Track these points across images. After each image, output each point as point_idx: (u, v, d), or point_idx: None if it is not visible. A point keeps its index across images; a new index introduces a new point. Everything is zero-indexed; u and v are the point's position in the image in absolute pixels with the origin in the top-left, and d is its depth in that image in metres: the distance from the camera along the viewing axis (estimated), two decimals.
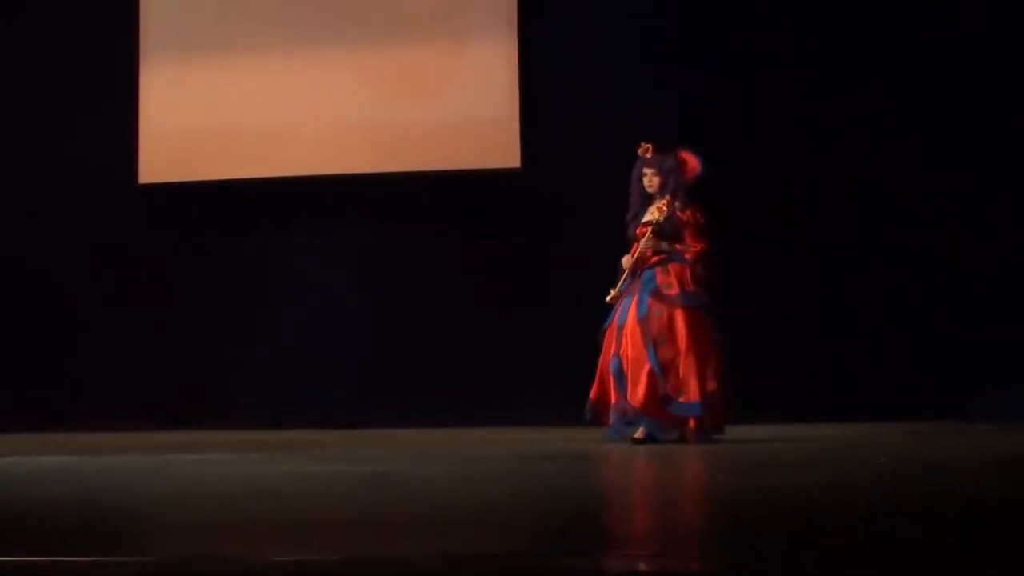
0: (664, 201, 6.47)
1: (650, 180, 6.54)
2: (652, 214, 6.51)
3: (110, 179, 9.24)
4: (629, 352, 6.26)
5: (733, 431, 6.39)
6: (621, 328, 6.35)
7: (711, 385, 6.22)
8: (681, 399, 6.21)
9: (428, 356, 8.85)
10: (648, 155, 6.58)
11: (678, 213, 6.47)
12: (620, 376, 6.27)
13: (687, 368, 6.23)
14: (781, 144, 8.62)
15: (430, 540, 2.78)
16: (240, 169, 9.01)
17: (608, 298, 6.44)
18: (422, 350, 8.86)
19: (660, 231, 6.45)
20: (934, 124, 8.41)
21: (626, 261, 6.49)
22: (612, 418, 6.34)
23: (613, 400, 6.32)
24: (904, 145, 8.50)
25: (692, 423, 6.21)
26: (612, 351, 6.36)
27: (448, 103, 8.83)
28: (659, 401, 6.20)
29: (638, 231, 6.52)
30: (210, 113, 9.08)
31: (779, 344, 8.33)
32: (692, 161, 6.57)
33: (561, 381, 8.25)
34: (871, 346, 8.42)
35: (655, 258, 6.47)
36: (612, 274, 7.73)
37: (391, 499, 3.74)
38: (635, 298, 6.38)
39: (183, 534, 3.03)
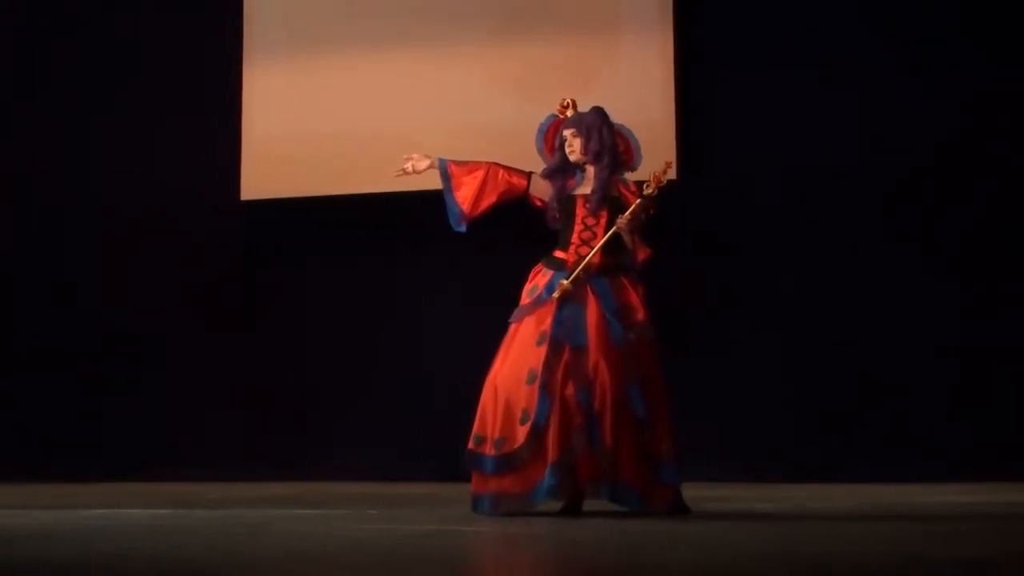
0: (664, 168, 5.54)
1: (571, 143, 5.63)
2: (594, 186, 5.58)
3: (208, 195, 9.35)
4: (608, 386, 5.31)
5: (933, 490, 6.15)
6: (578, 351, 5.36)
7: (676, 444, 5.41)
8: (665, 462, 5.36)
9: None
10: (569, 113, 5.69)
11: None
12: (592, 419, 5.30)
13: (665, 422, 5.39)
14: (986, 155, 8.30)
15: None
16: (357, 183, 8.99)
17: (558, 292, 5.45)
18: None
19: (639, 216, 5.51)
20: None
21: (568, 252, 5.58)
22: (548, 476, 5.26)
23: (555, 448, 5.26)
24: None
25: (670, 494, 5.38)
26: (560, 380, 5.33)
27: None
28: (644, 462, 5.33)
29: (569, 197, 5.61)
30: (322, 119, 9.11)
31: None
32: (628, 143, 5.75)
33: (737, 433, 8.10)
34: None
35: (598, 256, 5.50)
36: (780, 311, 7.52)
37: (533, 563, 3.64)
38: (591, 312, 5.43)
39: None
